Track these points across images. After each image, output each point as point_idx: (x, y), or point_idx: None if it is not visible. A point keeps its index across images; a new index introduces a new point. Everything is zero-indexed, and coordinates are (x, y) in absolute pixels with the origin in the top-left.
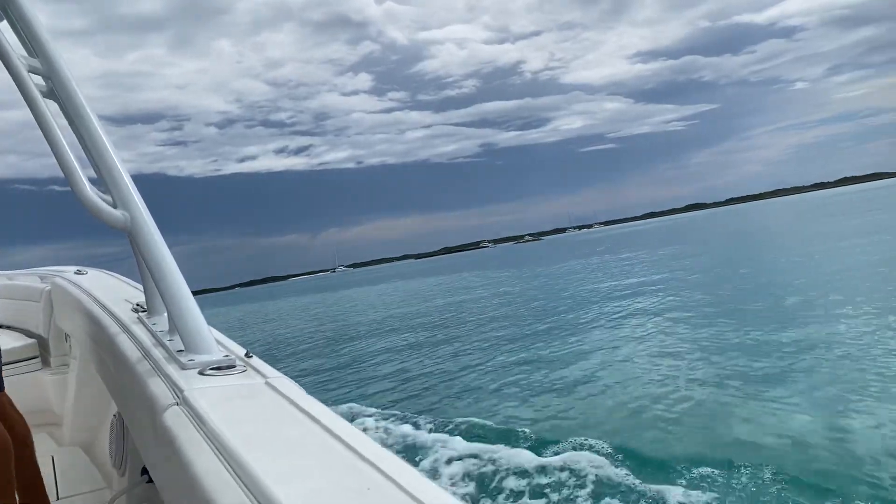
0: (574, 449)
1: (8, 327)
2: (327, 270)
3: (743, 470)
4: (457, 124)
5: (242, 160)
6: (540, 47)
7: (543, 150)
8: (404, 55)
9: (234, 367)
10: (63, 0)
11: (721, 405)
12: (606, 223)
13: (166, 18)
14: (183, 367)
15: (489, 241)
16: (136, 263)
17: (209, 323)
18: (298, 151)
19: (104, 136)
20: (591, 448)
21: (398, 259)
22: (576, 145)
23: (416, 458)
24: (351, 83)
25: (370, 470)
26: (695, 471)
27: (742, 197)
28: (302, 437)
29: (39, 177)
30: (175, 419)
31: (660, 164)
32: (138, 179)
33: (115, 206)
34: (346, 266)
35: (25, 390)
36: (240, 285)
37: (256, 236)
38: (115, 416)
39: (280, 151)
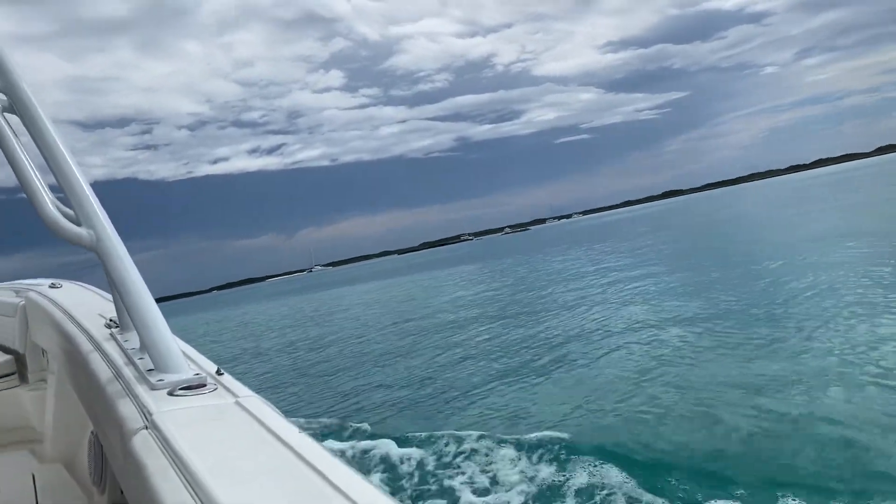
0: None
1: None
2: (303, 271)
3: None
4: (431, 119)
5: (215, 162)
6: (511, 40)
7: (518, 143)
8: (376, 51)
9: (205, 385)
10: (24, 4)
11: (705, 398)
12: (585, 213)
13: (130, 21)
14: (153, 387)
15: (470, 235)
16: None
17: (181, 336)
18: (271, 151)
19: (66, 152)
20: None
21: (377, 256)
22: (550, 137)
23: (397, 480)
24: (323, 80)
25: (342, 501)
26: (682, 465)
27: (718, 182)
28: (271, 463)
29: (7, 185)
30: (144, 443)
31: (634, 152)
32: (110, 185)
33: (78, 224)
34: (323, 265)
35: (4, 407)
36: (217, 288)
37: (232, 238)
38: (91, 433)
39: (253, 151)
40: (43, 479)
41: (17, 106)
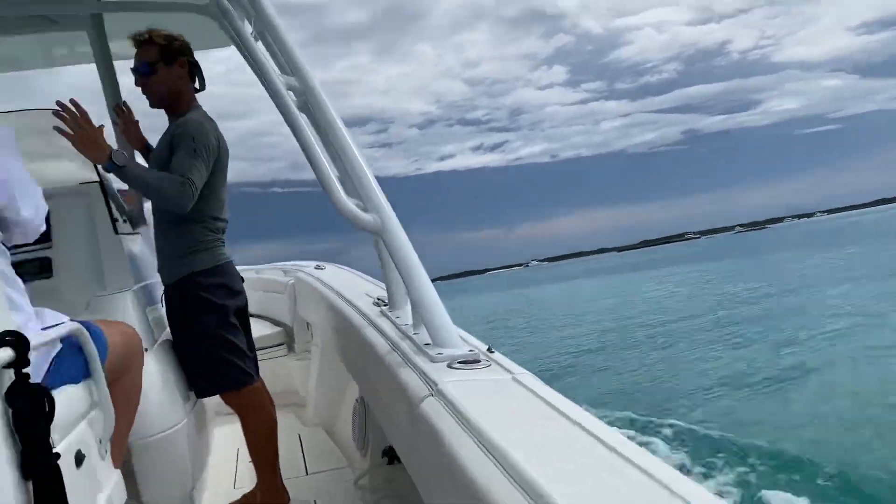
0: None
1: (259, 316)
2: (521, 265)
3: None
4: (656, 111)
5: (442, 159)
6: (748, 25)
7: (753, 135)
8: (599, 44)
9: (479, 361)
10: (284, 16)
11: None
12: (829, 211)
13: (370, 27)
14: (432, 360)
15: (695, 233)
16: (378, 260)
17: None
18: (494, 148)
19: (353, 146)
20: None
21: (594, 252)
22: (790, 128)
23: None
24: (545, 77)
25: (639, 475)
26: None
27: None
28: (561, 436)
29: (263, 180)
30: (431, 409)
31: (892, 144)
32: None
33: (365, 211)
34: (539, 260)
35: (275, 374)
36: (441, 279)
37: (455, 231)
38: (357, 400)
39: (476, 149)
40: (308, 440)
41: (311, 104)
